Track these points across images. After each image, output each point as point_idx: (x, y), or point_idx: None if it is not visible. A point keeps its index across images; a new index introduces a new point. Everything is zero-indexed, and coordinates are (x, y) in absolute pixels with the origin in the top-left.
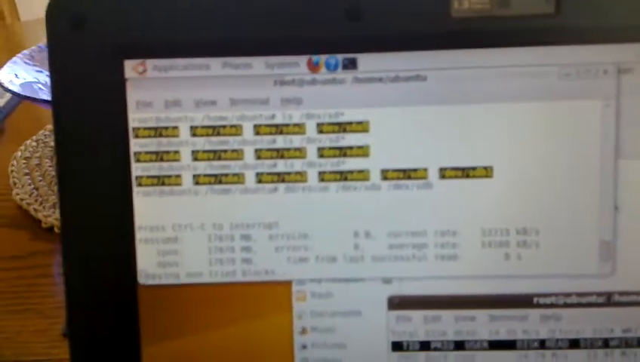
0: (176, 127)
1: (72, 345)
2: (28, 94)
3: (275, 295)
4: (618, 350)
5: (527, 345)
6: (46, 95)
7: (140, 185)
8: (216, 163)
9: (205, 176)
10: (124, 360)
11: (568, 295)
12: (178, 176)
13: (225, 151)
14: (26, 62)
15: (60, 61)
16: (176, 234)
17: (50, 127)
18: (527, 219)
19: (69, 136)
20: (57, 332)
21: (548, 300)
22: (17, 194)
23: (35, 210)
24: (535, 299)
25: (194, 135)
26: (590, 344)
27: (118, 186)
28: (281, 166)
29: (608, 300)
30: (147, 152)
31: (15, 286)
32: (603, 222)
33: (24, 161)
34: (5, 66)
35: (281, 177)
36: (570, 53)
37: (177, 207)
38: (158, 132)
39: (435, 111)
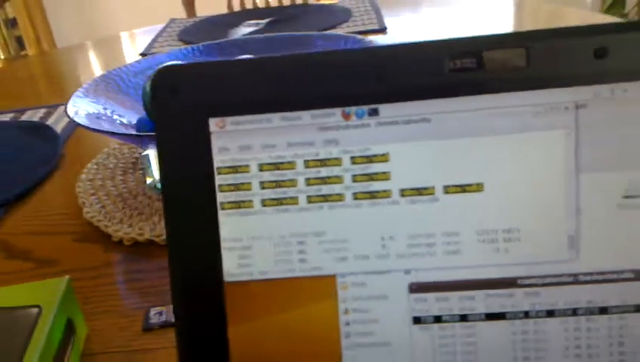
0: (247, 165)
1: (177, 328)
2: (95, 126)
3: (324, 286)
4: (583, 317)
5: (514, 315)
6: (107, 124)
7: (223, 208)
8: (277, 190)
9: (270, 200)
10: (216, 337)
11: (544, 276)
12: (250, 201)
13: (283, 181)
14: (83, 96)
15: (163, 119)
16: (250, 243)
17: (106, 150)
18: (510, 222)
19: (172, 174)
20: (137, 329)
21: (528, 281)
22: (88, 212)
23: (106, 226)
24: (519, 281)
25: (260, 170)
26: (562, 313)
27: (208, 210)
28: (325, 190)
29: (575, 279)
30: (227, 184)
31: (97, 291)
32: (569, 221)
33: (89, 183)
34: (70, 102)
35: (325, 198)
36: (539, 96)
37: (250, 223)
38: (234, 169)
39: (438, 144)
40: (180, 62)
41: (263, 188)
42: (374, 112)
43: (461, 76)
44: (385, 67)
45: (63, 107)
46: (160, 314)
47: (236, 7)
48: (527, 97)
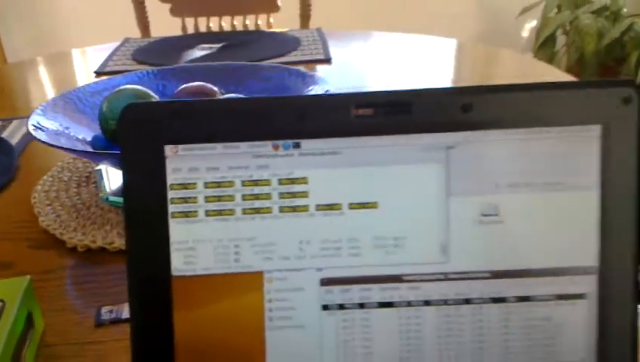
0: (195, 183)
1: (131, 315)
2: (53, 142)
3: (253, 280)
4: (452, 306)
5: (400, 304)
6: (64, 139)
7: (173, 217)
8: (218, 203)
9: (212, 211)
10: (164, 322)
11: (422, 274)
12: (196, 211)
13: (223, 196)
14: (42, 114)
15: (127, 145)
16: (195, 245)
17: (60, 163)
18: (398, 232)
19: (132, 188)
20: (89, 324)
21: (411, 278)
22: (43, 221)
23: (61, 233)
24: (404, 277)
25: (205, 187)
26: (436, 303)
27: (161, 218)
28: (257, 204)
29: (445, 277)
30: (178, 198)
31: (52, 292)
32: (441, 233)
33: (44, 194)
34: (30, 119)
35: (256, 210)
36: (420, 139)
37: (195, 229)
38: (184, 186)
39: (345, 171)
40: (139, 92)
41: (207, 201)
42: (297, 145)
43: (363, 121)
44: (306, 111)
45: (16, 121)
46: (110, 311)
47: (190, 30)
48: (410, 139)
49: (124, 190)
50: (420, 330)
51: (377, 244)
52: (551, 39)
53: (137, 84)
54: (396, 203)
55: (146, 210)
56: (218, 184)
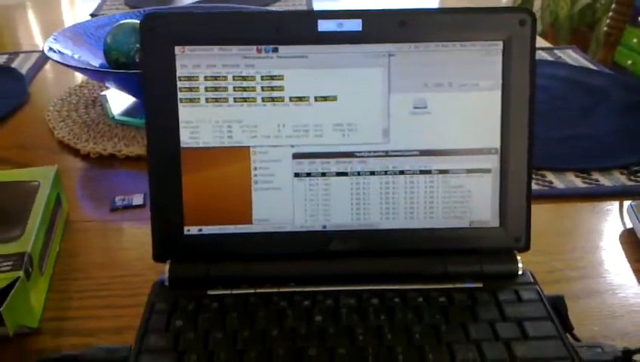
0: (197, 77)
1: (150, 178)
2: (68, 63)
3: (242, 153)
4: (391, 176)
5: (352, 174)
6: (74, 63)
7: (181, 102)
8: (215, 93)
9: (210, 98)
10: (175, 184)
11: (369, 152)
12: (198, 98)
13: (219, 87)
14: (55, 42)
15: (146, 45)
16: (198, 125)
17: (68, 90)
18: (351, 119)
19: (150, 80)
20: (105, 209)
21: (360, 154)
22: (58, 133)
23: (75, 143)
24: (355, 153)
25: (205, 80)
26: (379, 173)
27: (172, 103)
28: (245, 94)
29: (386, 154)
30: (185, 87)
31: (72, 187)
32: (383, 120)
33: (57, 113)
34: (46, 44)
35: (244, 100)
36: (368, 48)
37: (198, 112)
38: (189, 78)
39: (312, 71)
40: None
41: (207, 91)
42: (275, 50)
43: (325, 33)
44: (282, 23)
45: (22, 55)
46: (123, 199)
47: None
48: (361, 47)
49: (144, 81)
50: (366, 193)
51: (336, 128)
52: (527, 3)
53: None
54: (350, 97)
55: (160, 96)
56: (215, 78)
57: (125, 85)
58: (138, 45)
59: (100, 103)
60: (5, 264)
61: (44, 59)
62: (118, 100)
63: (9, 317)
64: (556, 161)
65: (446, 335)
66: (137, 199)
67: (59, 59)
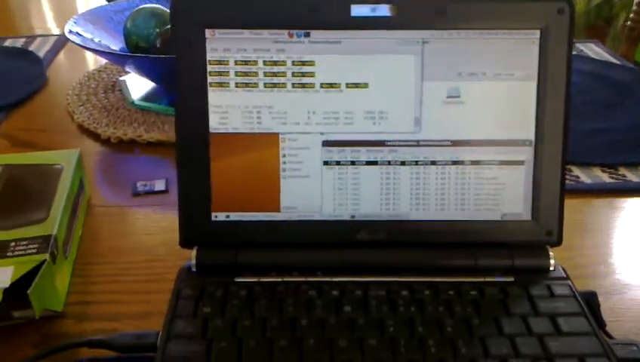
0: (227, 61)
1: (179, 162)
2: (89, 46)
3: (271, 139)
4: (422, 166)
5: (382, 163)
6: (94, 45)
7: (211, 86)
8: (245, 78)
9: (240, 83)
10: (204, 169)
11: (400, 141)
12: (228, 83)
13: (249, 72)
14: (76, 25)
15: (177, 28)
16: (227, 110)
17: (86, 74)
18: (382, 107)
19: (181, 63)
20: (127, 195)
21: (391, 143)
22: (78, 118)
23: (95, 127)
24: (386, 143)
25: (235, 64)
26: (409, 163)
27: (202, 87)
28: (275, 80)
29: (417, 143)
30: (215, 72)
31: (93, 171)
32: (415, 108)
33: (76, 97)
34: (67, 26)
35: (274, 85)
36: (402, 34)
37: (227, 97)
38: (219, 62)
39: (344, 57)
40: None
41: (237, 75)
42: (307, 34)
43: (358, 18)
44: (315, 7)
45: (39, 38)
46: (144, 185)
47: None
48: (395, 34)
49: (174, 64)
50: (396, 183)
51: (367, 116)
52: None
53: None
54: (382, 84)
55: (190, 80)
56: (245, 62)
57: (146, 70)
58: (158, 30)
59: (119, 88)
60: (31, 246)
61: (61, 42)
62: (138, 85)
63: (35, 299)
64: (582, 156)
65: (478, 329)
66: (159, 185)
67: (80, 42)
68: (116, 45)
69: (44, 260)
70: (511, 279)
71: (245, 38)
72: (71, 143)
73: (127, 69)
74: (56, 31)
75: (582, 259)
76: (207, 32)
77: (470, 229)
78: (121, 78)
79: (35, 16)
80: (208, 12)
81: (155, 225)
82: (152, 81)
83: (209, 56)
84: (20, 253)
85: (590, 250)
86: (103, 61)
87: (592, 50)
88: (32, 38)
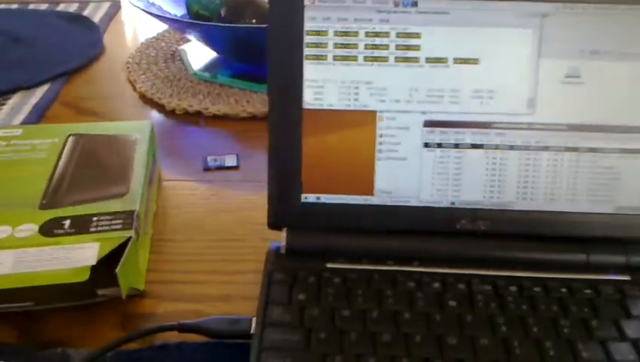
0: (326, 31)
1: (271, 137)
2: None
3: (368, 117)
4: (533, 152)
5: (488, 147)
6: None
7: (307, 59)
8: (344, 50)
9: (339, 56)
10: (295, 145)
11: (510, 123)
12: (325, 56)
13: (349, 44)
14: None
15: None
16: (323, 85)
17: (145, 42)
18: (492, 85)
19: (276, 31)
20: (198, 169)
21: (499, 125)
22: (140, 87)
23: (159, 98)
24: (493, 125)
25: (335, 35)
26: (519, 148)
27: (298, 59)
28: (376, 53)
29: (529, 127)
30: (312, 43)
31: (161, 143)
32: (530, 88)
33: (136, 65)
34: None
35: (375, 58)
36: (521, 6)
37: (324, 71)
38: (317, 33)
39: (453, 29)
40: None
41: (335, 47)
42: (415, 4)
43: None
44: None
45: (92, 4)
46: (215, 160)
47: None
48: (512, 5)
49: (269, 33)
50: (503, 169)
51: (474, 95)
52: None
53: None
54: (494, 60)
55: (286, 51)
56: (345, 33)
57: (210, 39)
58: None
59: (179, 57)
60: (115, 222)
61: (115, 8)
62: (197, 55)
63: (123, 278)
64: None
65: (598, 332)
66: (230, 160)
67: (143, 7)
68: (178, 11)
69: (130, 237)
70: (627, 278)
71: (346, 6)
72: (135, 113)
73: (193, 37)
74: None
75: None
76: (306, 0)
77: (582, 222)
78: (180, 47)
79: None
80: None
81: (228, 202)
82: (216, 51)
83: (307, 26)
84: (105, 228)
85: None
86: (158, 29)
87: None
88: (85, 3)
